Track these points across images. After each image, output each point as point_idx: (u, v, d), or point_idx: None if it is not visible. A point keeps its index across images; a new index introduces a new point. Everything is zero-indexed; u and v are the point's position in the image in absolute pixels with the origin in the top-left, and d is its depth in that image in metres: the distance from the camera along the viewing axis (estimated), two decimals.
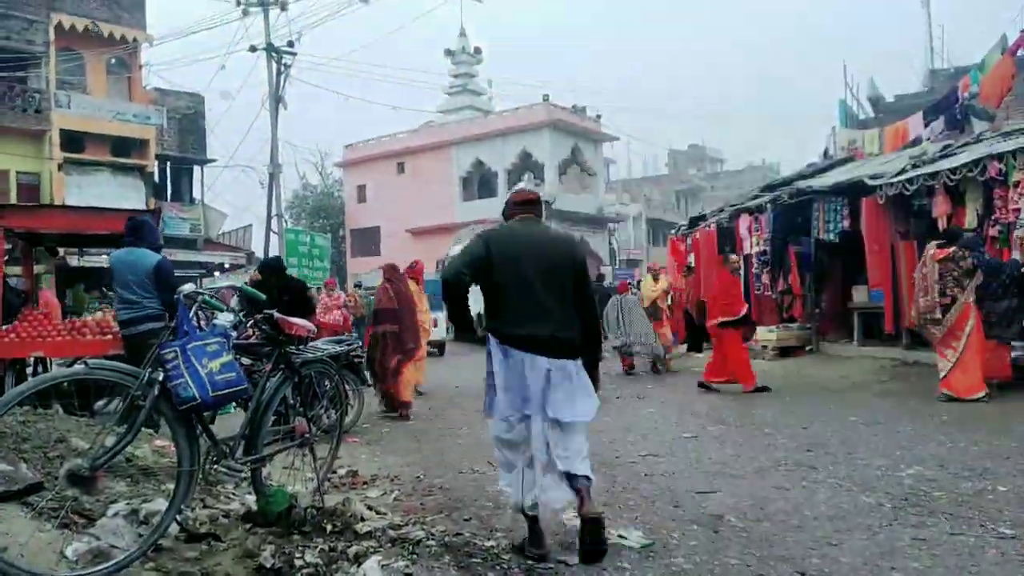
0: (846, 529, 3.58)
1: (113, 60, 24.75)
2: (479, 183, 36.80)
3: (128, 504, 3.65)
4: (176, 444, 3.34)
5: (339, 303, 13.51)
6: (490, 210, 20.32)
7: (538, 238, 3.52)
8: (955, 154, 9.59)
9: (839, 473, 4.74)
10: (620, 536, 3.50)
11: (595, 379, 3.49)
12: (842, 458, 5.16)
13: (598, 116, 37.52)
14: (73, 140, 22.75)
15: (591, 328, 3.55)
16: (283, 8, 22.56)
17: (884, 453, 5.23)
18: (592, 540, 3.18)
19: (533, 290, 3.37)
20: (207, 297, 3.66)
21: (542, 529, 3.31)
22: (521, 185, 4.11)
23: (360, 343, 7.99)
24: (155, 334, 5.43)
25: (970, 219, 8.90)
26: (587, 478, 3.30)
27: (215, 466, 3.50)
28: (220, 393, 3.31)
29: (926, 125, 14.80)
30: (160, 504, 3.52)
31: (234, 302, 6.15)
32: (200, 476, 3.48)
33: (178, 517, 3.45)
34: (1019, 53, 13.67)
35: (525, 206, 3.63)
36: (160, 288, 5.71)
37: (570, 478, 3.26)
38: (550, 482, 3.26)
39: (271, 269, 7.63)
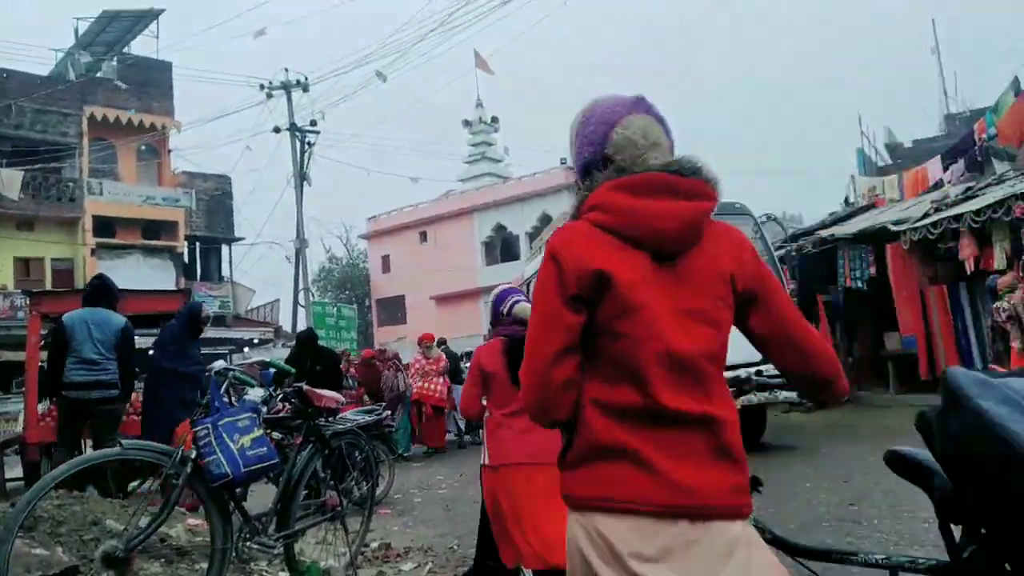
0: None
1: (143, 147, 25.80)
2: (501, 247, 37.20)
3: None
4: (209, 522, 3.35)
5: (440, 367, 10.59)
6: (513, 273, 20.48)
7: None
8: (978, 196, 9.55)
9: (884, 527, 4.57)
10: None
11: None
12: (887, 511, 4.97)
13: None
14: (105, 225, 23.55)
15: None
16: (305, 90, 23.51)
17: (930, 505, 5.02)
18: None
19: None
20: (238, 373, 3.72)
21: None
22: None
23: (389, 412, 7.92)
24: (110, 401, 5.47)
25: (999, 260, 8.78)
26: None
27: (248, 543, 3.48)
28: (252, 468, 3.32)
29: (945, 169, 14.76)
30: None
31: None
32: (233, 554, 3.45)
33: None
34: None
35: None
36: (121, 353, 5.58)
37: None
38: None
39: (307, 339, 7.81)
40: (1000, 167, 12.72)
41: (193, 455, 3.25)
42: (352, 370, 11.03)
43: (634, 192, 1.42)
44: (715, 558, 1.34)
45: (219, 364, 3.72)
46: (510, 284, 3.92)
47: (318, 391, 4.09)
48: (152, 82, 25.40)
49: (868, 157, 20.93)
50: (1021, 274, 7.27)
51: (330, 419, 4.34)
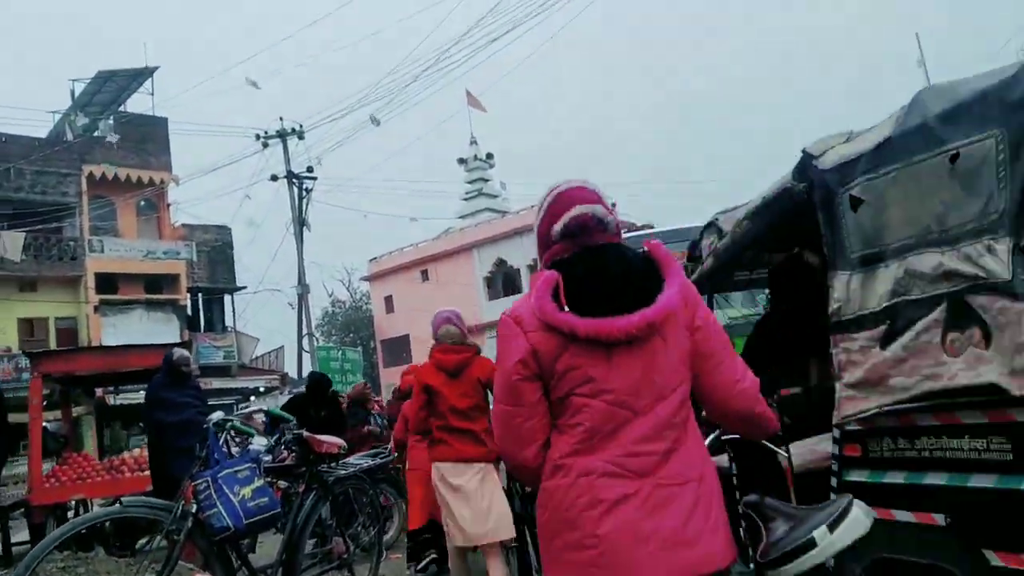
0: None
1: (142, 202, 25.94)
2: (503, 281, 37.21)
3: None
4: None
5: None
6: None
7: None
8: None
9: None
10: None
11: None
12: None
13: (613, 204, 38.03)
14: (107, 282, 23.54)
15: None
16: (300, 137, 23.69)
17: None
18: None
19: None
20: (236, 423, 3.64)
21: None
22: None
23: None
24: None
25: None
26: None
27: None
28: (254, 520, 3.26)
29: None
30: None
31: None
32: None
33: None
34: None
35: None
36: None
37: None
38: None
39: (319, 384, 7.68)
40: None
41: (194, 509, 3.20)
42: (377, 407, 10.45)
43: None
44: None
45: (217, 415, 3.63)
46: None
47: (319, 437, 4.02)
48: (149, 138, 25.62)
49: None
50: None
51: (333, 464, 4.29)
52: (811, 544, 1.58)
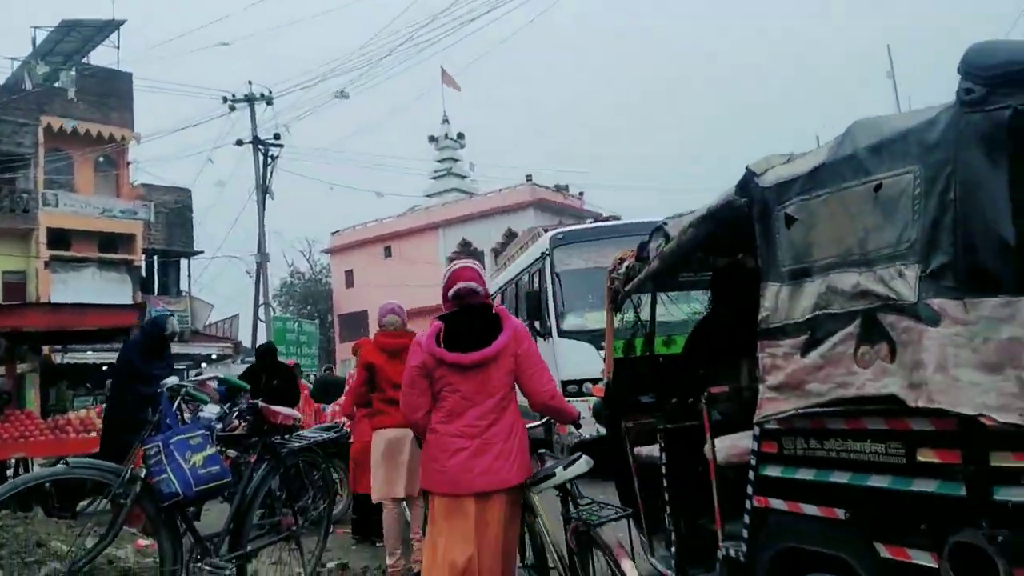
0: None
1: (101, 158, 25.23)
2: None
3: None
4: (158, 542, 3.27)
5: None
6: None
7: None
8: None
9: None
10: None
11: None
12: None
13: (580, 194, 38.31)
14: (60, 238, 22.89)
15: None
16: (269, 103, 23.24)
17: None
18: None
19: None
20: (190, 389, 3.65)
21: None
22: None
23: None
24: None
25: None
26: None
27: (199, 564, 3.40)
28: (203, 487, 3.27)
29: None
30: None
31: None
32: (183, 575, 3.37)
33: None
34: None
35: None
36: None
37: None
38: None
39: (265, 353, 7.67)
40: None
41: (143, 474, 3.19)
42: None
43: None
44: None
45: (171, 380, 3.64)
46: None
47: (274, 408, 4.03)
48: (111, 93, 24.87)
49: None
50: None
51: (286, 436, 4.27)
52: (552, 474, 2.92)
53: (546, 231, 9.69)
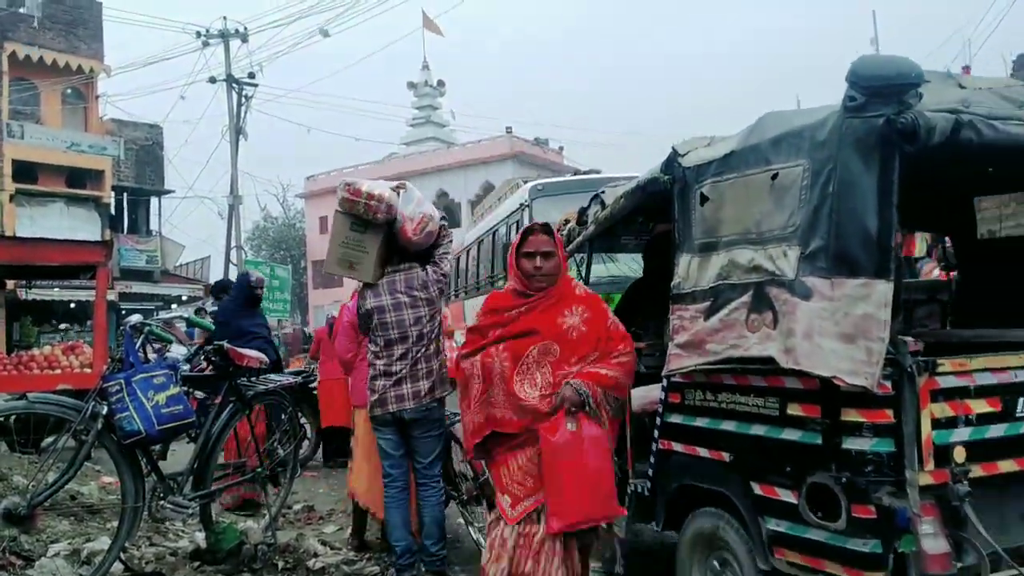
0: None
1: (69, 90, 24.54)
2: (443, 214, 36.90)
3: (70, 544, 3.56)
4: (120, 480, 3.26)
5: None
6: (454, 240, 20.44)
7: None
8: None
9: None
10: None
11: None
12: None
13: (560, 148, 38.11)
14: (26, 171, 22.38)
15: None
16: (244, 40, 22.69)
17: None
18: None
19: None
20: (155, 328, 3.66)
21: None
22: None
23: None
24: None
25: (919, 248, 9.22)
26: None
27: (162, 502, 3.40)
28: (166, 426, 3.25)
29: None
30: (104, 543, 3.41)
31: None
32: (146, 513, 3.39)
33: (123, 556, 3.36)
34: None
35: None
36: None
37: None
38: None
39: (223, 289, 7.69)
40: None
41: (104, 411, 3.16)
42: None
43: None
44: None
45: (135, 318, 3.62)
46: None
47: (241, 350, 4.00)
48: (80, 22, 24.03)
49: None
50: (940, 262, 7.74)
51: (253, 379, 4.23)
52: None
53: (525, 182, 9.59)
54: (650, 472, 2.80)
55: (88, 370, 6.71)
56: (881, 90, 1.99)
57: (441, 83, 40.30)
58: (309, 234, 39.92)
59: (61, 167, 23.01)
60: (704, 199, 2.53)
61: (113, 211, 24.88)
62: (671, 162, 2.70)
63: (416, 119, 39.88)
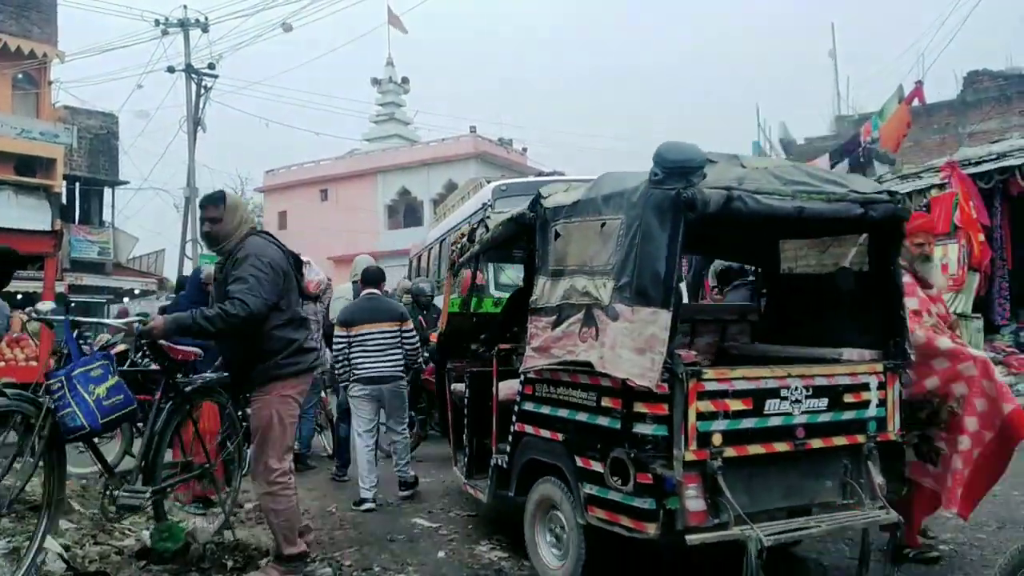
0: None
1: (20, 75, 24.25)
2: (405, 212, 37.07)
3: (9, 542, 3.52)
4: (46, 473, 3.25)
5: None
6: (415, 238, 20.74)
7: None
8: None
9: None
10: None
11: None
12: None
13: (524, 149, 38.46)
14: None
15: None
16: (204, 30, 22.62)
17: None
18: None
19: None
20: (40, 313, 3.68)
21: None
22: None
23: None
24: None
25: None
26: None
27: (116, 492, 3.43)
28: (109, 418, 3.25)
29: (832, 167, 15.50)
30: (51, 543, 3.33)
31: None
32: (97, 510, 3.47)
33: (65, 555, 3.38)
34: (914, 103, 14.95)
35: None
36: None
37: None
38: None
39: (181, 286, 7.81)
40: (880, 169, 13.70)
41: (52, 405, 3.14)
42: None
43: None
44: None
45: (47, 306, 3.69)
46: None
47: (174, 345, 3.89)
48: (33, 5, 23.76)
49: (763, 150, 21.98)
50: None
51: (190, 374, 4.21)
52: None
53: (489, 182, 9.77)
54: (508, 449, 3.60)
55: (34, 363, 6.85)
56: (674, 170, 2.71)
57: (405, 80, 40.35)
58: (268, 229, 39.52)
59: (10, 154, 22.70)
60: (557, 235, 3.26)
61: (65, 200, 24.64)
62: (536, 203, 3.40)
63: (379, 116, 39.86)
